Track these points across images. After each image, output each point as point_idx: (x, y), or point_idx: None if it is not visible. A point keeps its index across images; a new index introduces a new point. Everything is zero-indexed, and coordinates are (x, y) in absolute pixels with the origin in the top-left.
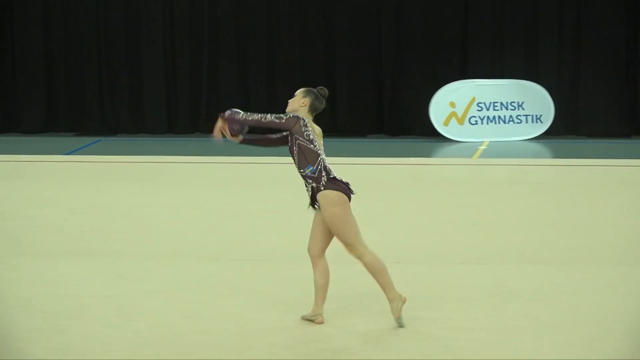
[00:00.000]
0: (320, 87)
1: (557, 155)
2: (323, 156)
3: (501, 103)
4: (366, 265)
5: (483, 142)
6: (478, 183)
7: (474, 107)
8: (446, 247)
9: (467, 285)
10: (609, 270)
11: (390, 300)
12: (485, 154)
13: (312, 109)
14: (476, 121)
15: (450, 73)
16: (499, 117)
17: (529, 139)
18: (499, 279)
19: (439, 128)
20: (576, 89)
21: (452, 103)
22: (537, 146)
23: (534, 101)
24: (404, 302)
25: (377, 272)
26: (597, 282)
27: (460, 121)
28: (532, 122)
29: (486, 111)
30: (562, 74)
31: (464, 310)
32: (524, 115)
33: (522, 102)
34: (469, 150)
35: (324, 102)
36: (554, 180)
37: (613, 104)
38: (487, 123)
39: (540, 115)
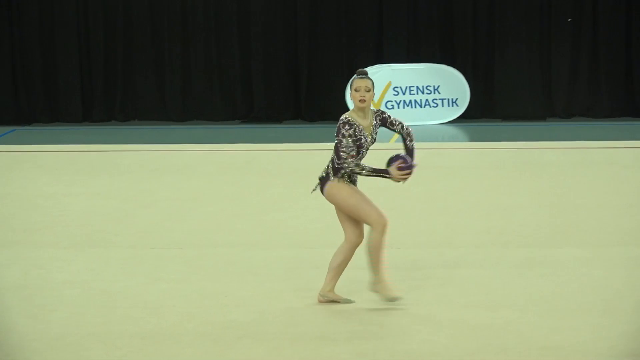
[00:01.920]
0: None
1: (473, 138)
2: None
3: (417, 87)
4: (369, 240)
5: None
6: None
7: (390, 92)
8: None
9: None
10: (524, 251)
11: (378, 282)
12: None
13: None
14: (392, 105)
15: (366, 58)
16: (415, 101)
17: (445, 123)
18: (414, 261)
19: None
20: (491, 73)
21: None
22: (453, 130)
23: (450, 85)
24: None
25: (374, 251)
26: (511, 263)
27: (377, 106)
28: (448, 105)
29: (402, 95)
30: (477, 57)
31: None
32: (440, 99)
33: (438, 86)
34: (385, 134)
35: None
36: (470, 164)
37: (528, 88)
38: (404, 107)
39: (456, 99)
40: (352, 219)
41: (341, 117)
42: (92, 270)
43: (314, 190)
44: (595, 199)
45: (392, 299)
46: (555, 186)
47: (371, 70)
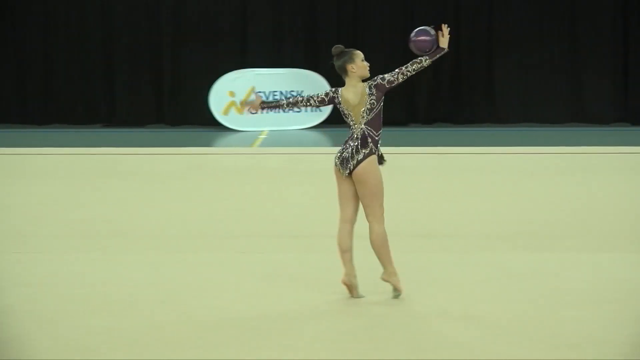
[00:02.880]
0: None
1: (336, 143)
2: (353, 129)
3: (280, 92)
4: (377, 234)
5: (263, 131)
6: (258, 172)
7: (254, 96)
8: (225, 237)
9: (246, 273)
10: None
11: (391, 275)
12: (265, 143)
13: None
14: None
15: (229, 62)
16: None
17: (308, 128)
18: (277, 267)
19: (219, 117)
20: None
21: (231, 92)
22: (316, 134)
23: (313, 90)
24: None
25: (383, 243)
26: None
27: (240, 110)
28: (311, 110)
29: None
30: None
31: (226, 297)
32: None
33: (301, 91)
34: (248, 139)
35: (335, 59)
36: (331, 168)
37: (389, 92)
38: (267, 112)
39: None
40: (355, 200)
41: (367, 84)
42: None
43: (346, 173)
44: (455, 205)
45: (400, 292)
46: (417, 190)
47: (234, 75)
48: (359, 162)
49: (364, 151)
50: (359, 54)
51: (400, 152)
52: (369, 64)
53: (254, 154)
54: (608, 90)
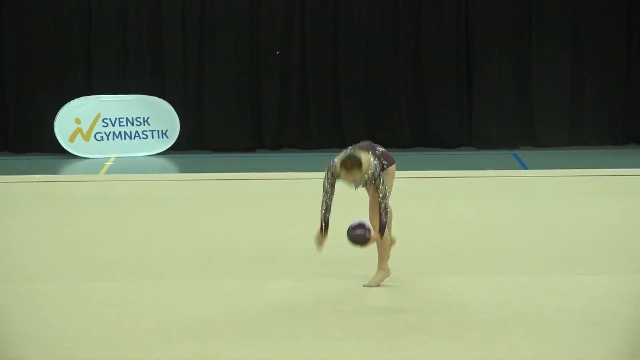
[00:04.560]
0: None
1: (183, 170)
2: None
3: (127, 119)
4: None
5: (110, 158)
6: (104, 199)
7: (100, 123)
8: (74, 265)
9: (94, 302)
10: (239, 281)
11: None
12: (112, 170)
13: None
14: (102, 137)
15: (75, 89)
16: (125, 132)
17: (155, 154)
18: (123, 295)
19: (65, 144)
20: (201, 105)
21: (77, 119)
22: (163, 161)
23: (160, 117)
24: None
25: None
26: (221, 292)
27: (86, 137)
28: (158, 137)
29: (112, 127)
30: (187, 89)
31: (87, 326)
32: (149, 130)
33: (148, 118)
34: (95, 166)
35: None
36: (179, 195)
37: (239, 120)
38: (113, 139)
39: (166, 131)
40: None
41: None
42: None
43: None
44: (304, 230)
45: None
46: (266, 217)
47: (80, 101)
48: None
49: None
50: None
51: (248, 178)
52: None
53: (101, 181)
54: (453, 115)
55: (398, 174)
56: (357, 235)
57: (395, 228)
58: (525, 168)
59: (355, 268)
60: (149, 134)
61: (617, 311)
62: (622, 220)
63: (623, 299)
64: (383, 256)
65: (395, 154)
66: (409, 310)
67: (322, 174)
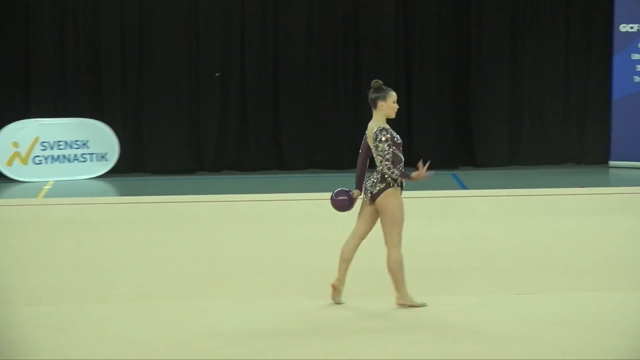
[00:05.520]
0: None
1: (123, 193)
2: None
3: (66, 142)
4: (394, 259)
5: (48, 181)
6: (42, 223)
7: (38, 147)
8: (11, 289)
9: (30, 326)
10: (178, 304)
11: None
12: (50, 194)
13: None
14: (40, 161)
15: (13, 112)
16: (64, 156)
17: (94, 178)
18: (62, 318)
19: (2, 168)
20: (141, 128)
21: (14, 143)
22: (102, 184)
23: (99, 140)
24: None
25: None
26: (167, 315)
27: (24, 161)
28: (97, 160)
29: (50, 150)
30: (126, 112)
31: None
32: (89, 153)
33: (87, 141)
34: (33, 190)
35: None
36: (118, 218)
37: (178, 142)
38: (52, 162)
39: (105, 154)
40: (371, 222)
41: (375, 129)
42: None
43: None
44: (245, 251)
45: (422, 305)
46: (207, 239)
47: (17, 125)
48: (377, 194)
49: (379, 186)
50: (393, 95)
51: (188, 201)
52: (398, 107)
53: (39, 205)
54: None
55: (271, 196)
56: (339, 201)
57: (334, 249)
58: (464, 188)
59: (300, 287)
60: (88, 157)
61: (551, 332)
62: (559, 238)
63: (559, 319)
64: (400, 282)
65: (335, 176)
66: (339, 331)
67: (262, 196)
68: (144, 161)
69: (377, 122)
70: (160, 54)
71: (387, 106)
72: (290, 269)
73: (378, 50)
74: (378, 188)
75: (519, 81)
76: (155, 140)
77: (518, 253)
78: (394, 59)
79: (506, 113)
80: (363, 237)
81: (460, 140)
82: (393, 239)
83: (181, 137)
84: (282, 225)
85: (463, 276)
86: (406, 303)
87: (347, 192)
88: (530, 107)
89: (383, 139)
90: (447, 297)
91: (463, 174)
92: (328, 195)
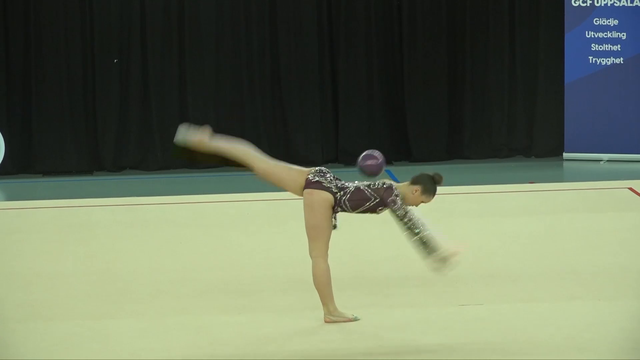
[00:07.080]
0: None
1: (10, 197)
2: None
3: None
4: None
5: None
6: None
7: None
8: None
9: None
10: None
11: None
12: None
13: None
14: None
15: None
16: None
17: None
18: None
19: None
20: (28, 124)
21: None
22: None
23: None
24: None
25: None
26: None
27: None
28: None
29: None
30: (12, 108)
31: None
32: None
33: None
34: None
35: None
36: (5, 227)
37: (68, 139)
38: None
39: None
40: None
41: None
42: None
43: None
44: (150, 263)
45: (355, 319)
46: (105, 250)
47: None
48: (318, 187)
49: (332, 184)
50: (431, 199)
51: (84, 205)
52: (425, 203)
53: None
54: (316, 131)
55: (179, 198)
56: (368, 166)
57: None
58: None
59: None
60: None
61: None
62: (503, 243)
63: (503, 327)
64: (329, 296)
65: (250, 174)
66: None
67: (168, 198)
68: (33, 162)
69: (400, 187)
70: (49, 41)
71: (418, 198)
72: (200, 282)
73: (297, 32)
74: (329, 187)
75: (457, 63)
76: (46, 138)
77: (460, 260)
78: (316, 44)
79: (445, 100)
80: (265, 170)
81: (394, 133)
82: (323, 249)
83: (75, 133)
84: (193, 232)
85: (397, 288)
86: (337, 319)
87: (372, 157)
88: (472, 93)
89: (396, 210)
90: (378, 309)
91: (398, 169)
92: (244, 195)
